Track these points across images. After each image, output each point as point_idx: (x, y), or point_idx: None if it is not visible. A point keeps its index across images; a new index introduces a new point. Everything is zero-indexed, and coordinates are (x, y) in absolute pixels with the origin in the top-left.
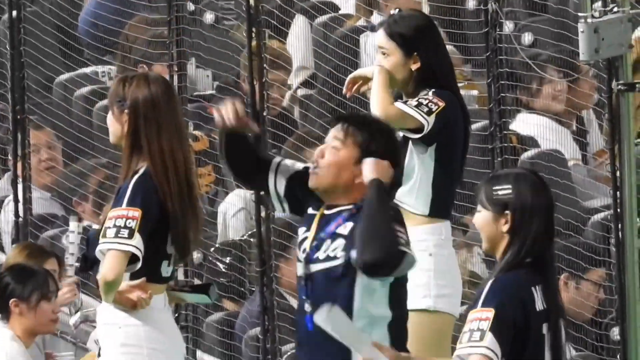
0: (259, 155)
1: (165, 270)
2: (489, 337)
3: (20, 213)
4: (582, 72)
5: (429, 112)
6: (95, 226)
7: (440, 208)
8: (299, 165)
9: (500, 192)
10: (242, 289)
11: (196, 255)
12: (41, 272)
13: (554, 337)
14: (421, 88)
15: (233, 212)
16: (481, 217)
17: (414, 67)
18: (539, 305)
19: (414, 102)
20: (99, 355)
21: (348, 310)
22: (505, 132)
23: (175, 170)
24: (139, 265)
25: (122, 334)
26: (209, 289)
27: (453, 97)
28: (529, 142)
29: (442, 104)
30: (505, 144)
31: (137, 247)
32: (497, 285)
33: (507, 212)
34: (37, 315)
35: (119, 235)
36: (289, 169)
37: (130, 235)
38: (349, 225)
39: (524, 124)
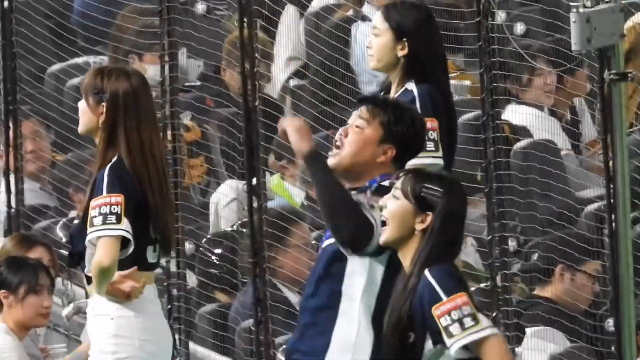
0: None
1: (152, 255)
2: (482, 317)
3: (13, 204)
4: (574, 62)
5: None
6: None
7: None
8: None
9: (430, 192)
10: (234, 280)
11: (188, 247)
12: (33, 264)
13: None
14: (406, 77)
15: (225, 203)
16: (400, 206)
17: (401, 53)
18: None
19: None
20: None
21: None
22: (497, 121)
23: (154, 163)
24: (131, 249)
25: (114, 325)
26: None
27: (432, 90)
28: (522, 132)
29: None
30: (498, 134)
31: (126, 231)
32: (443, 273)
33: (429, 212)
34: (25, 309)
35: (107, 221)
36: None
37: (118, 220)
38: None
39: (516, 114)
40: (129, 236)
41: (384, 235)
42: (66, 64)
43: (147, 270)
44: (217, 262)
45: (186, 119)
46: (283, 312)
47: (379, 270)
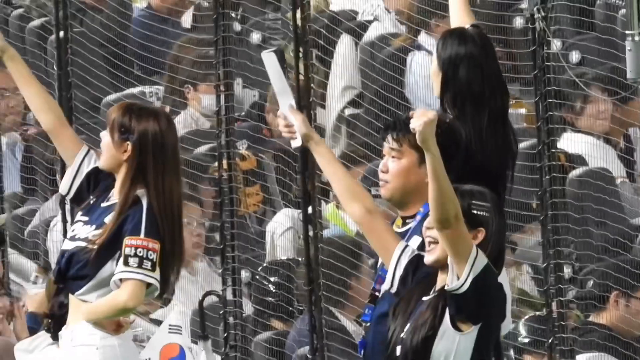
0: None
1: None
2: None
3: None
4: (629, 90)
5: None
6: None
7: None
8: None
9: (479, 208)
10: (290, 307)
11: (244, 275)
12: None
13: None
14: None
15: (281, 232)
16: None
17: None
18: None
19: None
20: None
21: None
22: (553, 150)
23: (171, 212)
24: (156, 295)
25: (100, 356)
26: None
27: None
28: (577, 160)
29: None
30: (554, 162)
31: (158, 280)
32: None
33: (480, 228)
34: None
35: (143, 266)
36: None
37: (153, 268)
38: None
39: (571, 142)
40: (158, 287)
41: (435, 255)
42: (122, 93)
43: None
44: (274, 290)
45: (242, 147)
46: (339, 339)
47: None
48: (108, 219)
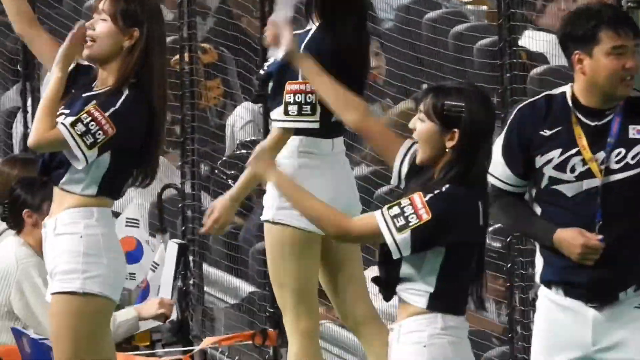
0: None
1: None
2: (405, 235)
3: (29, 124)
4: None
5: None
6: None
7: None
8: None
9: (452, 108)
10: (249, 202)
11: (203, 168)
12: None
13: (481, 252)
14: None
15: (241, 125)
16: (426, 129)
17: None
18: (481, 220)
19: None
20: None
21: None
22: (514, 47)
23: (165, 93)
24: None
25: (84, 243)
26: None
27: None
28: (539, 57)
29: None
30: (515, 60)
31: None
32: (449, 194)
33: (455, 129)
34: None
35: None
36: None
37: (91, 147)
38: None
39: (532, 40)
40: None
41: (418, 157)
42: None
43: (115, 199)
44: (232, 184)
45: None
46: None
47: None
48: (89, 106)
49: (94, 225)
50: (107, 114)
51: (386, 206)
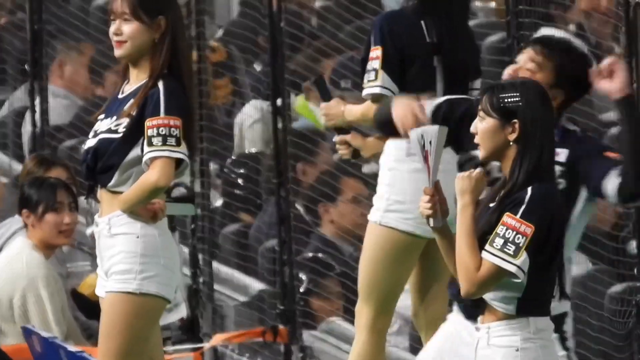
0: None
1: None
2: (523, 257)
3: (37, 123)
4: None
5: None
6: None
7: None
8: None
9: (508, 100)
10: (259, 200)
11: (212, 167)
12: (52, 182)
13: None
14: None
15: (249, 124)
16: (486, 126)
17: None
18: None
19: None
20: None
21: None
22: (522, 44)
23: (191, 81)
24: (186, 171)
25: (141, 244)
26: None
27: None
28: None
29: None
30: None
31: (186, 155)
32: (536, 197)
33: (515, 120)
34: (43, 227)
35: (167, 143)
36: None
37: (178, 143)
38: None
39: None
40: (188, 161)
41: (481, 154)
42: None
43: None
44: (242, 183)
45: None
46: (305, 232)
47: None
48: (127, 105)
49: (150, 226)
50: (161, 114)
51: (485, 247)
